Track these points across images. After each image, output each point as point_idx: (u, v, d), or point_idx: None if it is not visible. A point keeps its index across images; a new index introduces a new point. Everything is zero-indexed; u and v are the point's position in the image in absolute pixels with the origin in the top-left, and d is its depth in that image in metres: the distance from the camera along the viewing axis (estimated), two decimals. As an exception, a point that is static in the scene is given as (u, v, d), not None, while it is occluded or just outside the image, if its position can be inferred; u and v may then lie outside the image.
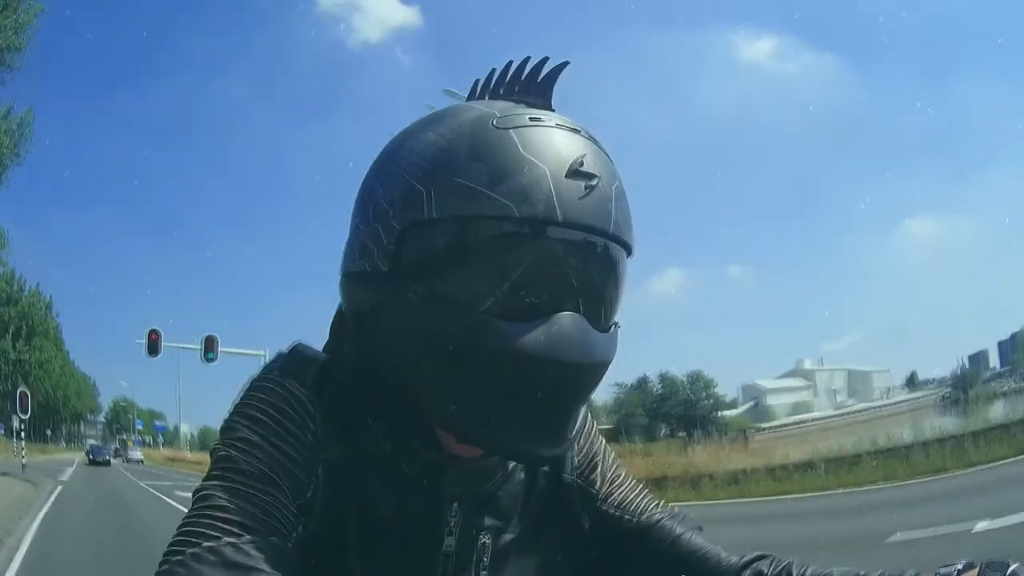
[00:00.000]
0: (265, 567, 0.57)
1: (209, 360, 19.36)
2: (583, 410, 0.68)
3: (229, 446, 0.64)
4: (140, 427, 66.26)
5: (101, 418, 73.79)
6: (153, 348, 18.54)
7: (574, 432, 0.66)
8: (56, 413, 57.26)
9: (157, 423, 65.14)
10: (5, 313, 44.95)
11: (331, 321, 0.74)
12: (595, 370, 0.63)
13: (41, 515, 11.50)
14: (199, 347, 19.75)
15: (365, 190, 0.67)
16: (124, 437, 62.63)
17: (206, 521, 0.59)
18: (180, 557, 0.57)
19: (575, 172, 0.61)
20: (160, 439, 63.26)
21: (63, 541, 9.00)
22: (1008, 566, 0.62)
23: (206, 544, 0.58)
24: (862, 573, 0.70)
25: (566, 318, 0.61)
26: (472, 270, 0.61)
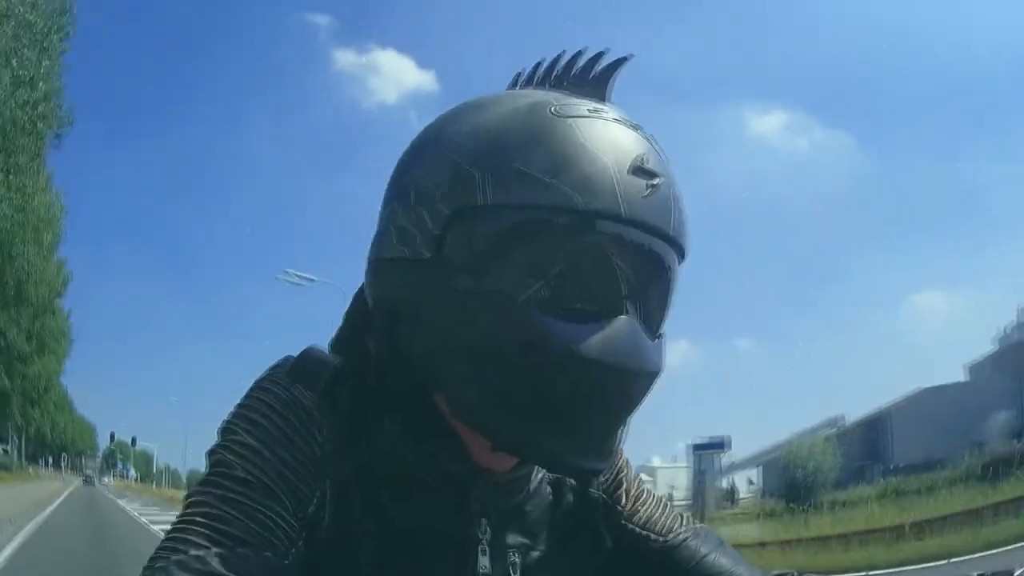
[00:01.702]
0: None
1: (134, 446, 49.52)
2: (626, 425, 0.64)
3: (226, 450, 0.60)
4: (120, 466, 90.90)
5: (100, 454, 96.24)
6: (111, 439, 48.66)
7: (618, 446, 0.63)
8: (66, 451, 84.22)
9: (129, 466, 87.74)
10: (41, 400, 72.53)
11: (343, 320, 0.70)
12: (647, 379, 0.60)
13: (72, 488, 41.24)
14: (131, 438, 50.05)
15: (403, 174, 0.63)
16: (121, 470, 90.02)
17: (196, 528, 0.56)
18: (164, 563, 0.54)
19: (638, 169, 0.57)
20: (130, 474, 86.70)
21: (77, 492, 38.44)
22: (1012, 573, 0.63)
23: (193, 552, 0.54)
24: None
25: (622, 322, 0.57)
26: (527, 263, 0.56)
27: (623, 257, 0.57)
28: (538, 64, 0.64)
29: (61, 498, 26.61)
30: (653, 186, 0.57)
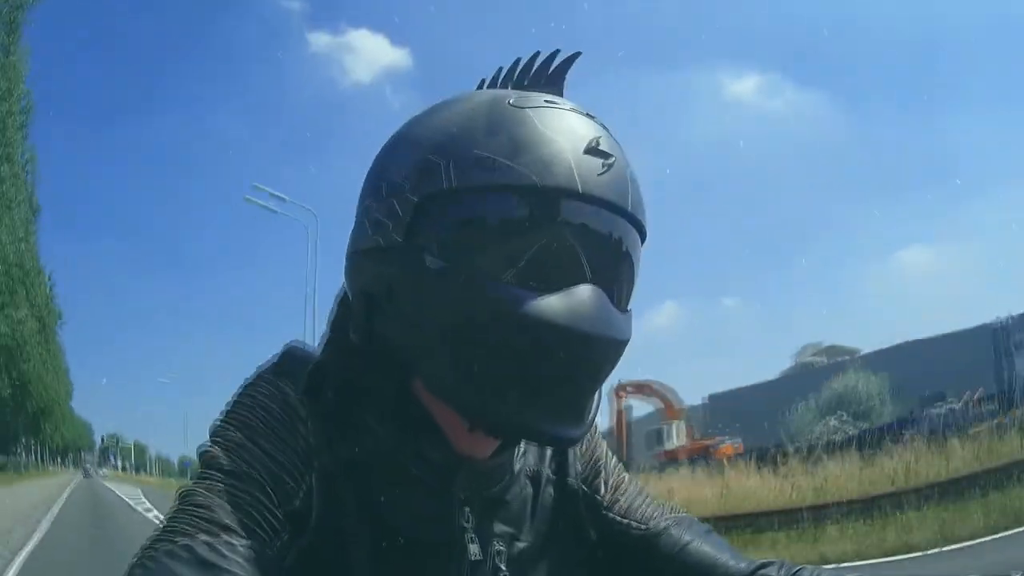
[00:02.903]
0: (238, 570, 0.55)
1: (118, 445, 70.72)
2: (599, 395, 0.67)
3: (215, 445, 0.64)
4: (112, 460, 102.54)
5: (98, 449, 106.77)
6: (102, 441, 69.79)
7: (592, 415, 0.65)
8: (68, 450, 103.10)
9: (117, 459, 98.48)
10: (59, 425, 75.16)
11: (330, 315, 0.72)
12: (614, 346, 0.62)
13: (76, 479, 60.04)
14: (115, 439, 71.03)
15: (376, 169, 0.67)
16: (113, 463, 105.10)
17: (185, 518, 0.58)
18: (153, 552, 0.56)
19: (592, 150, 0.60)
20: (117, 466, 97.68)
21: (80, 483, 57.26)
22: None
23: (181, 541, 0.56)
24: None
25: (585, 290, 0.60)
26: (491, 240, 0.60)
27: (583, 231, 0.60)
28: (499, 69, 0.70)
29: (73, 483, 45.03)
30: (608, 165, 0.61)
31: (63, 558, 11.19)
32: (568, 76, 0.68)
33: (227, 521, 0.58)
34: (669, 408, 27.54)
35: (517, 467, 0.74)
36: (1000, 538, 8.45)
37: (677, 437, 27.10)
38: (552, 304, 0.58)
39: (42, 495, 26.53)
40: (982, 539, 8.53)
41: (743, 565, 0.76)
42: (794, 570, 0.74)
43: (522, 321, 0.58)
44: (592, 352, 0.61)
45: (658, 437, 27.59)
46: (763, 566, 0.75)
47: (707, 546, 0.78)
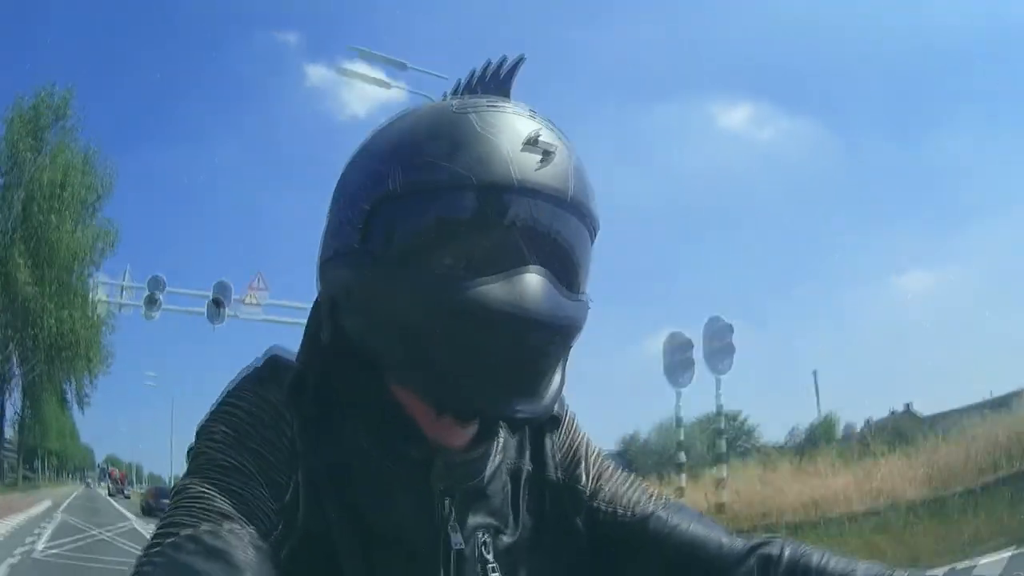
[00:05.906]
0: (244, 555, 0.56)
1: (108, 465, 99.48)
2: (560, 378, 0.68)
3: (204, 444, 0.65)
4: (107, 477, 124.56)
5: (98, 469, 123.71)
6: (98, 465, 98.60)
7: (550, 396, 0.66)
8: (76, 469, 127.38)
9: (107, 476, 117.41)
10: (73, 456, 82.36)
11: (305, 328, 0.74)
12: (557, 326, 0.64)
13: (80, 489, 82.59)
14: (106, 461, 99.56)
15: (338, 184, 0.71)
16: (106, 480, 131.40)
17: (184, 511, 0.59)
18: (159, 547, 0.57)
19: (531, 145, 0.63)
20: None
21: (83, 490, 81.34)
22: None
23: (185, 533, 0.57)
24: (888, 573, 0.68)
25: (528, 275, 0.62)
26: (436, 236, 0.63)
27: (522, 222, 0.63)
28: (459, 80, 0.74)
29: (80, 490, 50.54)
30: (547, 158, 0.63)
31: (80, 499, 37.79)
32: (517, 79, 0.71)
33: (227, 510, 0.59)
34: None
35: (497, 461, 0.75)
36: None
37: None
38: (493, 289, 0.61)
39: (68, 491, 56.75)
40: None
41: (739, 544, 0.76)
42: (800, 549, 0.73)
43: (465, 307, 0.61)
44: (534, 331, 0.63)
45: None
46: (762, 544, 0.75)
47: (699, 527, 0.78)
